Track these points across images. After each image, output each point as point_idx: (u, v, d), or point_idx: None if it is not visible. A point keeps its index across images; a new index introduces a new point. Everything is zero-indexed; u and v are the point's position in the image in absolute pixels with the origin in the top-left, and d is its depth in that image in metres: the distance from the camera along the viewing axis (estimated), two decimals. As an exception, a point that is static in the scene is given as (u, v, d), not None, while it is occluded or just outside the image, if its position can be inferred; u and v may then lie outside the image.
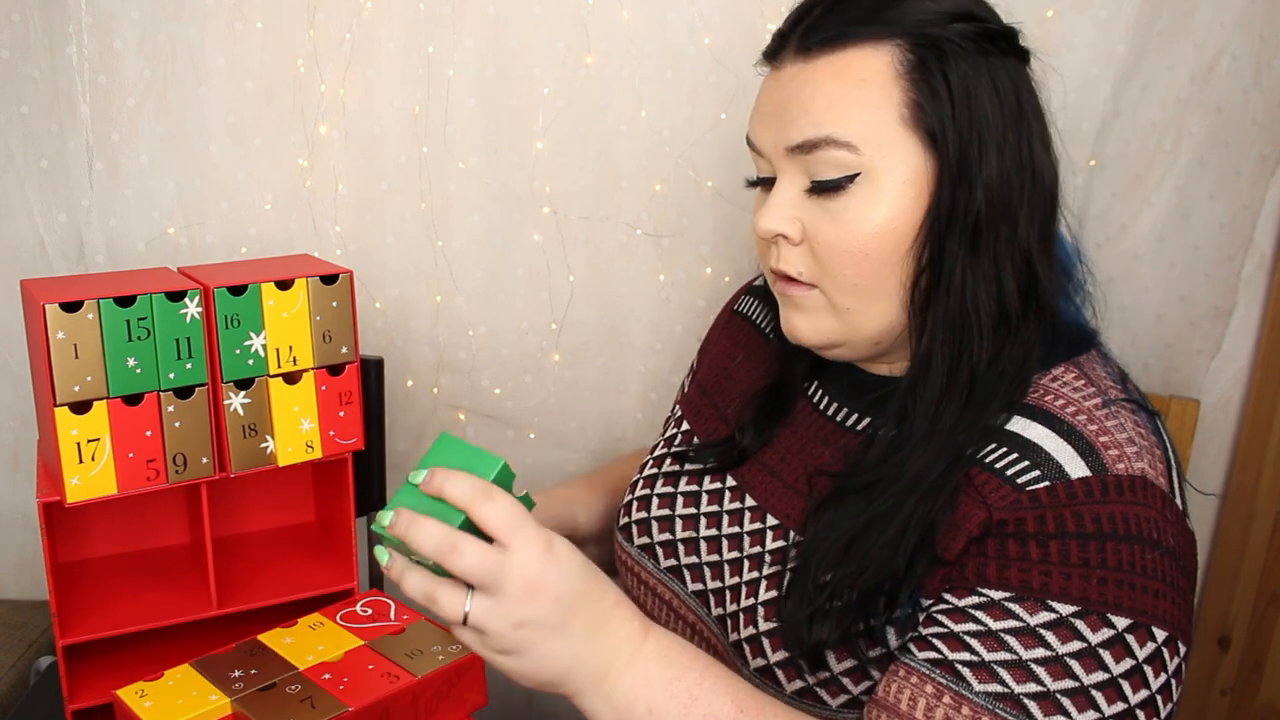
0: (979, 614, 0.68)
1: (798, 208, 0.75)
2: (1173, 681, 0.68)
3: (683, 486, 0.90)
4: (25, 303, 0.90)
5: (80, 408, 0.84)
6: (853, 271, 0.73)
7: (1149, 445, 0.71)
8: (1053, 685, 0.65)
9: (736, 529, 0.84)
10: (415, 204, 1.28)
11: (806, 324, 0.78)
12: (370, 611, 0.93)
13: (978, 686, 0.66)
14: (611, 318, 1.34)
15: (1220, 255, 1.27)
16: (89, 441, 0.85)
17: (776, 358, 0.92)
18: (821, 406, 0.86)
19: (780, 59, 0.76)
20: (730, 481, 0.87)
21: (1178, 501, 0.70)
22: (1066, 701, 0.65)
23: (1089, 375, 0.75)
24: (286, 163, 1.26)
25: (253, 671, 0.83)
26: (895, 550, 0.70)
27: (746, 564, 0.82)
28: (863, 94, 0.71)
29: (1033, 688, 0.65)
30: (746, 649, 0.78)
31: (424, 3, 1.22)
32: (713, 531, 0.86)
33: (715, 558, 0.85)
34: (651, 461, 0.96)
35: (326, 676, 0.82)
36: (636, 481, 0.95)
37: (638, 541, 0.91)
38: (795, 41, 0.74)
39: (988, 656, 0.67)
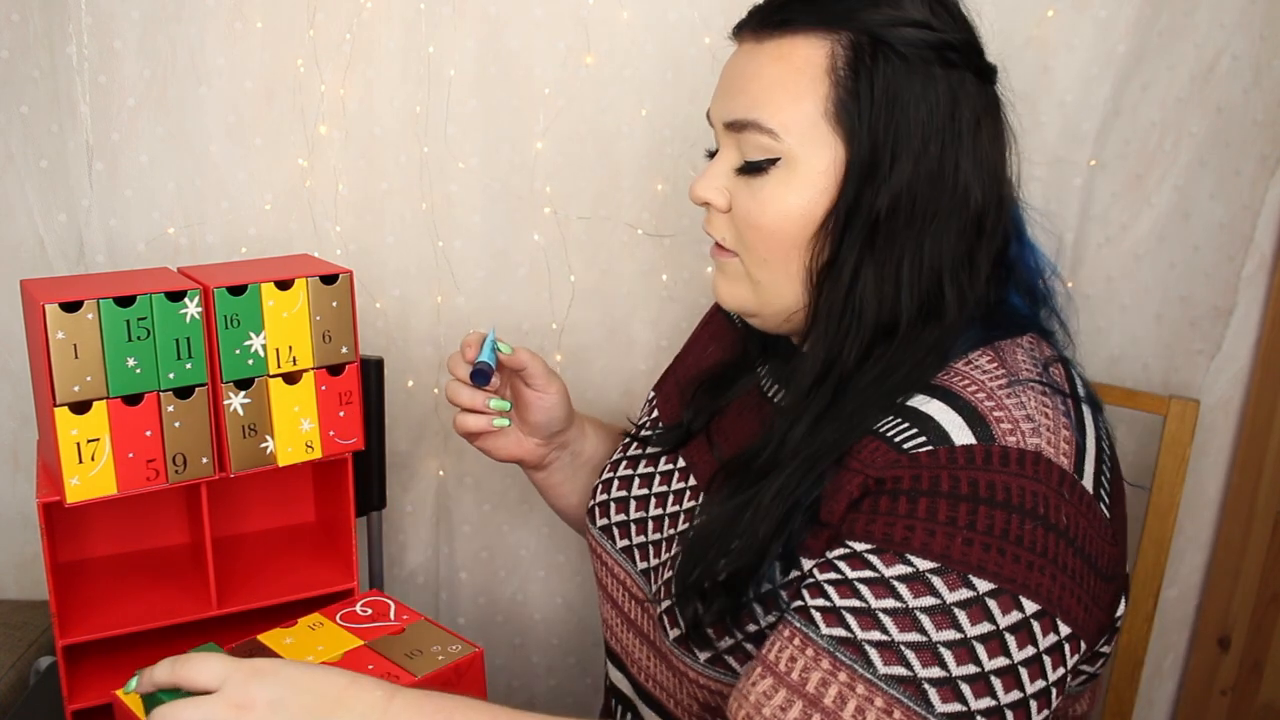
0: (840, 564, 0.68)
1: (729, 180, 0.79)
2: (1045, 659, 0.64)
3: (641, 469, 0.94)
4: (25, 303, 0.90)
5: (80, 408, 0.84)
6: (763, 247, 0.77)
7: (1052, 425, 0.69)
8: (898, 636, 0.64)
9: (678, 507, 0.87)
10: (416, 204, 1.28)
11: (726, 288, 0.82)
12: (370, 612, 0.93)
13: (824, 630, 0.66)
14: (613, 318, 1.34)
15: (1220, 255, 1.27)
16: (89, 441, 0.85)
17: (738, 341, 0.95)
18: (763, 385, 0.89)
19: (742, 36, 0.80)
20: (680, 462, 0.91)
21: (1085, 485, 0.68)
22: (910, 654, 0.63)
23: (1003, 358, 0.74)
24: (286, 163, 1.26)
25: None
26: (763, 524, 0.72)
27: (677, 540, 0.85)
28: (794, 83, 0.74)
29: (876, 635, 0.64)
30: (665, 620, 0.80)
31: (424, 3, 1.22)
32: (659, 511, 0.89)
33: (658, 536, 0.88)
34: (620, 448, 0.99)
35: None
36: (604, 468, 0.98)
37: (599, 524, 0.94)
38: (754, 20, 0.78)
39: (839, 602, 0.66)
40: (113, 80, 1.20)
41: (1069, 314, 0.83)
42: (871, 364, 0.74)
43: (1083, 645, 0.67)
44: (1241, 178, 1.24)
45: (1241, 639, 1.34)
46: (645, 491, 0.91)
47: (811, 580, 0.69)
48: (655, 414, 1.01)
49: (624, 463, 0.96)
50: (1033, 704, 0.64)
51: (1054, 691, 0.66)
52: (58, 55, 1.19)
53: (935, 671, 0.63)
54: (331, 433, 0.96)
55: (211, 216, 1.26)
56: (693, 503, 0.86)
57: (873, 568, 0.66)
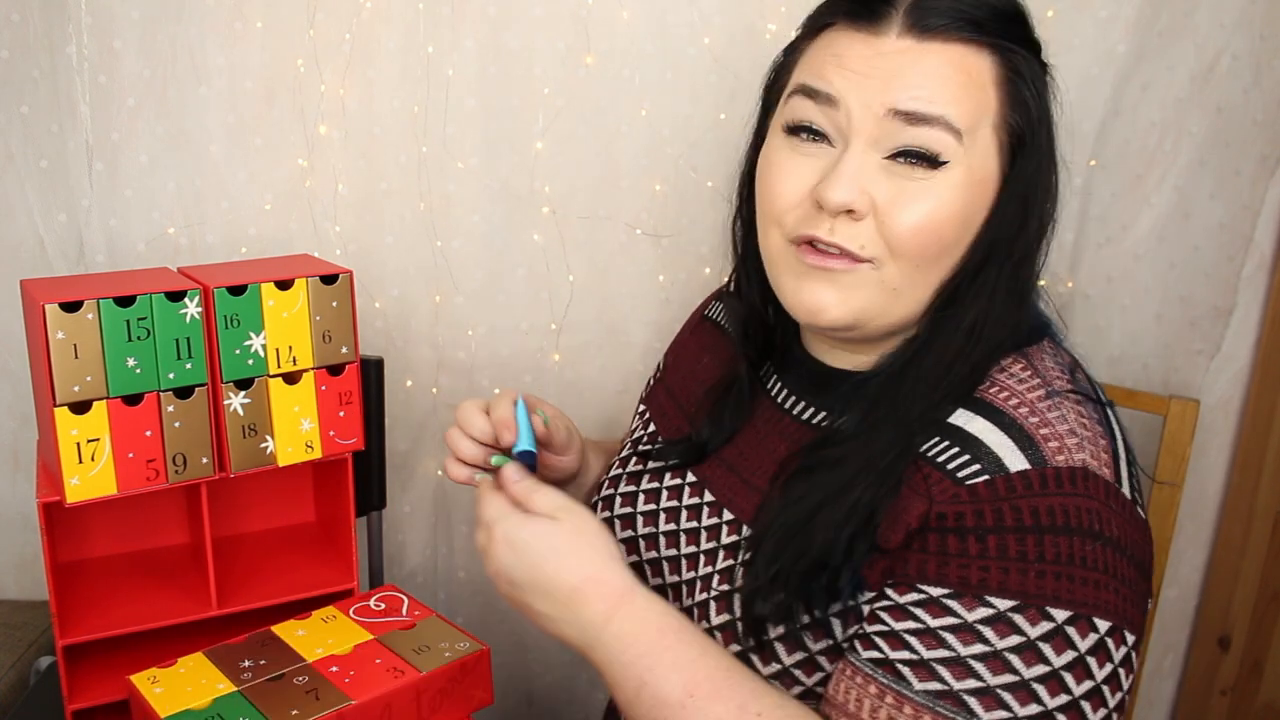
0: (918, 611, 0.68)
1: (870, 180, 0.72)
2: (1120, 671, 0.67)
3: (645, 484, 0.91)
4: (25, 303, 0.90)
5: (80, 408, 0.84)
6: (920, 252, 0.73)
7: (1092, 436, 0.71)
8: (993, 680, 0.65)
9: (694, 524, 0.86)
10: (415, 204, 1.28)
11: (838, 300, 0.74)
12: (383, 606, 0.94)
13: (918, 685, 0.67)
14: (611, 318, 1.34)
15: (1220, 255, 1.27)
16: (89, 441, 0.85)
17: (736, 353, 0.92)
18: (780, 400, 0.87)
19: (880, 27, 0.72)
20: (690, 478, 0.88)
21: (1125, 491, 0.70)
22: (1008, 696, 0.65)
23: (1036, 366, 0.75)
24: (286, 163, 1.26)
25: (262, 662, 0.84)
26: (840, 533, 0.72)
27: (702, 559, 0.83)
28: (971, 91, 0.72)
29: (972, 684, 0.66)
30: (720, 638, 0.79)
31: (424, 3, 1.22)
32: (671, 526, 0.87)
33: (673, 552, 0.86)
34: (617, 462, 0.97)
35: (334, 669, 0.83)
36: (602, 483, 0.96)
37: None
38: (906, 17, 0.72)
39: (927, 654, 0.67)
40: (113, 80, 1.20)
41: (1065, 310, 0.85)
42: (976, 370, 0.75)
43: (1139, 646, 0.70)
44: (1241, 178, 1.24)
45: (1241, 639, 1.34)
46: (653, 507, 0.89)
47: (886, 629, 0.69)
48: (652, 428, 0.98)
49: (625, 478, 0.93)
50: (1115, 716, 0.67)
51: (1126, 699, 0.69)
52: (58, 55, 1.19)
53: (1033, 709, 0.65)
54: (331, 433, 0.96)
55: (211, 216, 1.26)
56: (714, 520, 0.84)
57: (954, 614, 0.67)
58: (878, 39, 0.72)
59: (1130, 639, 0.68)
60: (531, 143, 1.27)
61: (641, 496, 0.91)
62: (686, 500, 0.88)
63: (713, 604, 0.80)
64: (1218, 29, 1.20)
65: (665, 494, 0.89)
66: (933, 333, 0.75)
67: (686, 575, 0.84)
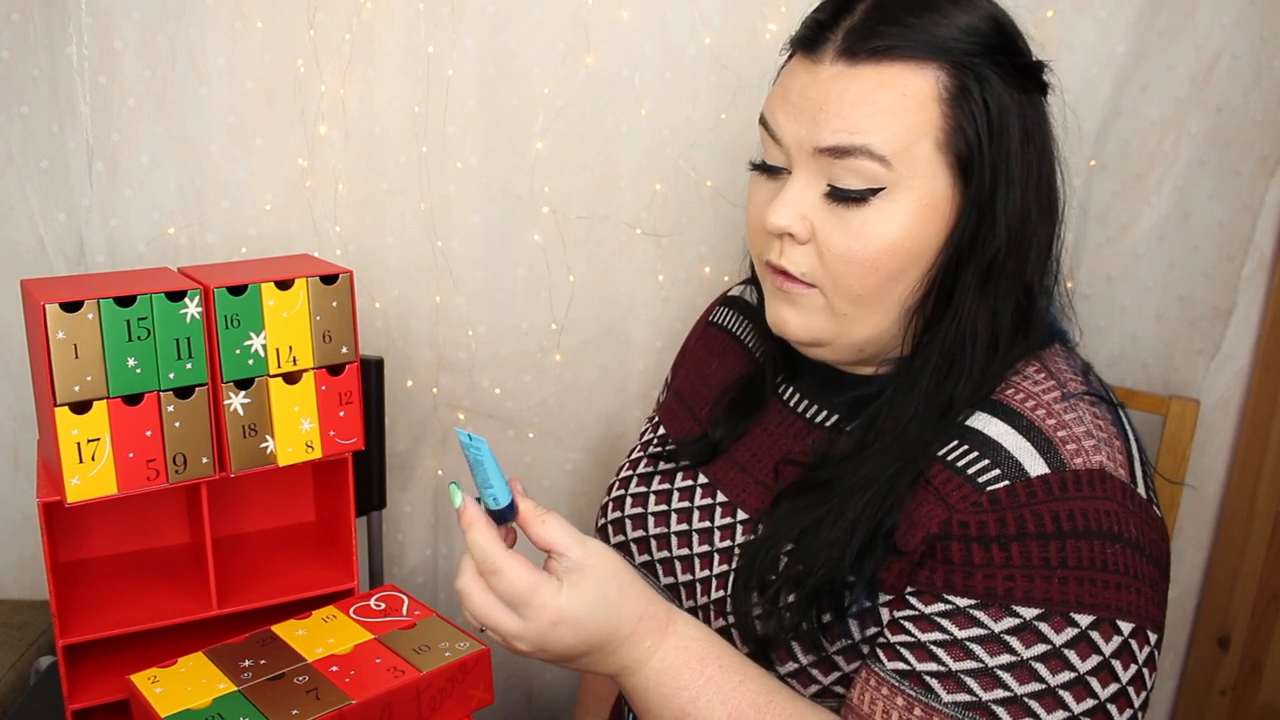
0: (944, 622, 0.69)
1: (811, 208, 0.74)
2: (1144, 671, 0.68)
3: (655, 485, 0.92)
4: (25, 303, 0.90)
5: (80, 408, 0.84)
6: (858, 283, 0.74)
7: (1107, 437, 0.72)
8: (1020, 690, 0.66)
9: (707, 524, 0.86)
10: (415, 204, 1.28)
11: (798, 320, 0.77)
12: (383, 606, 0.94)
13: (946, 697, 0.68)
14: (611, 317, 1.34)
15: (1220, 255, 1.27)
16: (89, 441, 0.85)
17: (750, 359, 0.93)
18: (792, 404, 0.87)
19: (818, 54, 0.73)
20: (702, 479, 0.89)
21: (1140, 491, 0.71)
22: (1035, 704, 0.66)
23: (1050, 369, 0.76)
24: (286, 163, 1.26)
25: (262, 662, 0.84)
26: (843, 550, 0.72)
27: (716, 558, 0.84)
28: (904, 111, 0.71)
29: (1000, 694, 0.66)
30: (736, 636, 0.80)
31: (424, 3, 1.22)
32: (683, 526, 0.87)
33: (685, 551, 0.86)
34: (627, 464, 0.97)
35: (334, 669, 0.83)
36: (612, 484, 0.96)
37: (613, 541, 0.93)
38: (839, 42, 0.72)
39: (954, 666, 0.68)
40: (113, 80, 1.20)
41: (1067, 299, 0.84)
42: (977, 386, 0.74)
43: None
44: (1241, 178, 1.24)
45: (1241, 639, 1.34)
46: (664, 508, 0.89)
47: (912, 640, 0.70)
48: (661, 431, 0.98)
49: (635, 479, 0.94)
50: (1140, 714, 0.69)
51: (1150, 694, 0.69)
52: (58, 55, 1.19)
53: (1060, 715, 0.66)
54: (331, 433, 0.96)
55: (211, 216, 1.26)
56: (727, 519, 0.85)
57: (981, 624, 0.68)
58: (817, 67, 0.73)
59: (1153, 638, 0.69)
60: (531, 143, 1.27)
61: (652, 497, 0.91)
62: (699, 501, 0.88)
63: (729, 602, 0.80)
64: (1218, 29, 1.20)
65: (676, 495, 0.90)
66: (917, 353, 0.76)
67: (700, 574, 0.84)
